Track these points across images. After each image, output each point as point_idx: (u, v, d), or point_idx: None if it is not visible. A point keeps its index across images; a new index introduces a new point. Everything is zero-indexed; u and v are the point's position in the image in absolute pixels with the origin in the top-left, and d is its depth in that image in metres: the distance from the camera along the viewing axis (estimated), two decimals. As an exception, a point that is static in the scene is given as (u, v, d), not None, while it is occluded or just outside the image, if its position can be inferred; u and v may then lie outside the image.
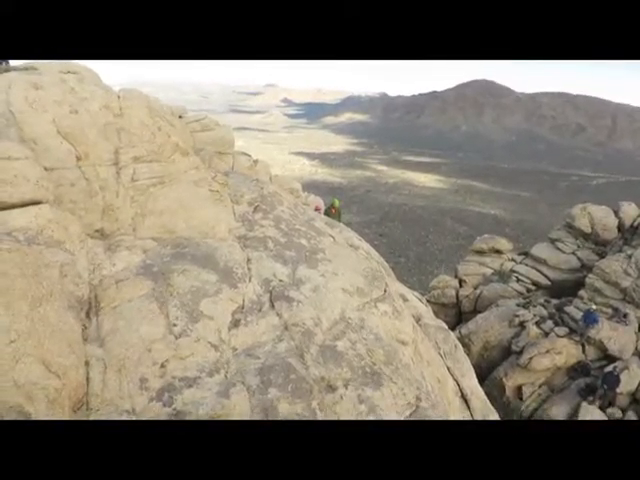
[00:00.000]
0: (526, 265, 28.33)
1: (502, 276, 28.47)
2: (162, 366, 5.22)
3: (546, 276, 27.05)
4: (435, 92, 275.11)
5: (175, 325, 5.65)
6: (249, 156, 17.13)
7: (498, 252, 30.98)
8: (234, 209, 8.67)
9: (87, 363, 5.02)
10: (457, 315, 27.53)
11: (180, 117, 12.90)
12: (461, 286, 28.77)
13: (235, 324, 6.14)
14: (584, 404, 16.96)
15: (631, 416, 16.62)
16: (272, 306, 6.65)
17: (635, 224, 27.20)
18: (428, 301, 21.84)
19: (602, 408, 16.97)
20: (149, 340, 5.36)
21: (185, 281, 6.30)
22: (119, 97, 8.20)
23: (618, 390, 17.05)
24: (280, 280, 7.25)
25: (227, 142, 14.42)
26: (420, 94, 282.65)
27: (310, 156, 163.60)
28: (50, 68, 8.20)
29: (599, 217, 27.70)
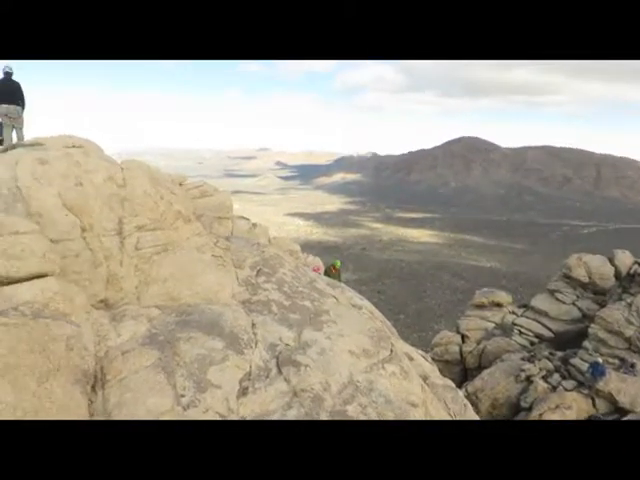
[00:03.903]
0: (527, 318, 28.19)
1: (504, 330, 28.22)
2: (170, 440, 5.05)
3: (548, 328, 26.87)
4: (423, 150, 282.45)
5: (183, 396, 5.52)
6: (248, 220, 17.35)
7: (498, 305, 30.86)
8: (237, 273, 8.69)
9: (93, 440, 4.86)
10: (462, 372, 27.04)
11: (180, 184, 13.16)
12: (464, 342, 28.42)
13: (243, 392, 6.01)
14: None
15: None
16: (279, 372, 6.53)
17: (632, 272, 27.38)
18: (432, 359, 21.52)
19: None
20: (157, 412, 5.22)
21: (191, 349, 6.21)
22: (122, 168, 8.40)
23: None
24: (286, 344, 7.16)
25: (226, 207, 14.63)
26: (409, 152, 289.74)
27: (305, 216, 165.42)
28: (55, 143, 8.44)
29: (595, 266, 27.90)
